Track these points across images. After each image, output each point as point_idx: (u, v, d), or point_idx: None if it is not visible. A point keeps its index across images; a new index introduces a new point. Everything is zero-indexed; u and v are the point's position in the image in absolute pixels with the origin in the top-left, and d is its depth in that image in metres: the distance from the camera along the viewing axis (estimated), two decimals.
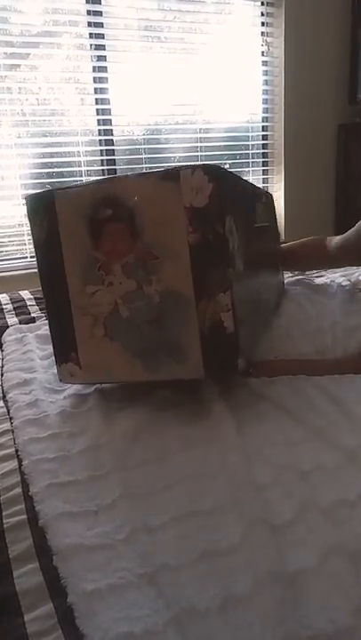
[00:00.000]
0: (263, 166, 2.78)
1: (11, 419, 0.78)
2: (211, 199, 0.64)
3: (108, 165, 2.38)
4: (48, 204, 0.72)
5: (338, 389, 0.75)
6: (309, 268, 1.42)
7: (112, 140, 2.37)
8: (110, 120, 2.35)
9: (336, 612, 0.41)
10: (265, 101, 2.69)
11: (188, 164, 0.69)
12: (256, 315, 0.83)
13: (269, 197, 1.15)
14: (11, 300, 1.39)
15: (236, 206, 0.72)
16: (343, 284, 1.37)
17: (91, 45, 2.26)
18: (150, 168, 2.47)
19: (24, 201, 0.77)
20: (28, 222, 0.76)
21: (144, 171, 2.43)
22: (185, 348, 0.68)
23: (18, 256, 2.26)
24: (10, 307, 1.34)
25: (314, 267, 1.43)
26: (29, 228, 0.77)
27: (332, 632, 0.40)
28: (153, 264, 0.67)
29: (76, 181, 2.34)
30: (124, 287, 0.69)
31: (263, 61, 2.64)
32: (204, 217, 0.64)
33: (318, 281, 1.42)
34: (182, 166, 0.65)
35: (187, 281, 0.65)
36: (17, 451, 0.68)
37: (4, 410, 0.81)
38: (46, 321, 1.01)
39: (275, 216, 1.20)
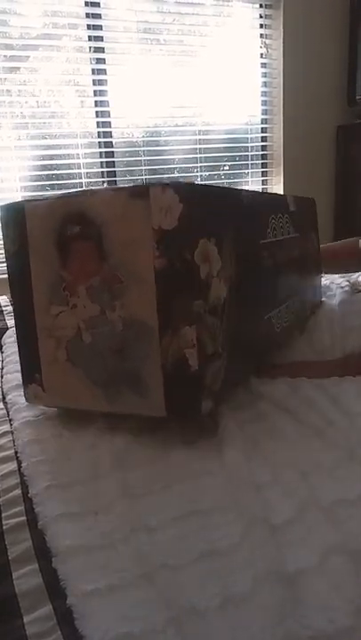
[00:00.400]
0: (262, 167, 2.78)
1: (10, 420, 0.78)
2: (180, 221, 0.58)
3: (107, 167, 2.39)
4: (18, 215, 0.68)
5: (336, 388, 0.75)
6: (344, 270, 1.40)
7: (111, 142, 2.37)
8: (110, 122, 2.36)
9: (336, 612, 0.41)
10: (264, 103, 2.70)
11: (159, 181, 0.59)
12: (252, 343, 0.76)
13: (306, 204, 1.04)
14: (10, 302, 1.39)
15: (220, 225, 0.65)
16: (342, 285, 1.37)
17: (90, 48, 2.27)
18: (149, 170, 2.47)
19: None
20: None
21: (143, 174, 2.44)
22: (147, 383, 0.63)
23: None
24: (9, 309, 1.34)
25: (348, 268, 1.38)
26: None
27: (332, 632, 0.39)
28: (118, 288, 0.62)
29: (76, 184, 2.34)
30: (88, 311, 0.65)
31: (262, 63, 2.65)
32: (172, 241, 0.58)
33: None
34: (153, 183, 0.60)
35: (151, 309, 0.60)
36: (16, 452, 0.68)
37: (4, 411, 0.81)
38: None
39: (314, 223, 1.11)
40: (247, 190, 0.79)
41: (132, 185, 0.62)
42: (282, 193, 2.74)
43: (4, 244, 0.72)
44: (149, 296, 0.60)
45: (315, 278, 1.12)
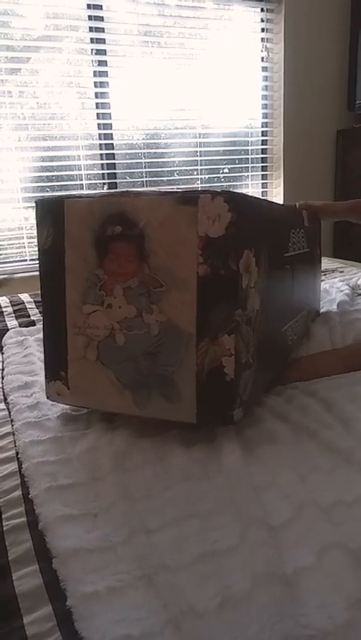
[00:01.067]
0: (262, 171, 2.79)
1: (11, 421, 0.78)
2: (228, 230, 0.58)
3: (107, 170, 2.40)
4: (57, 210, 0.68)
5: (329, 394, 0.76)
6: None
7: (112, 144, 2.38)
8: (110, 124, 2.37)
9: (334, 609, 0.41)
10: (264, 107, 2.71)
11: (209, 189, 0.60)
12: (272, 355, 0.76)
13: (314, 220, 1.07)
14: (10, 302, 1.39)
15: (259, 237, 0.66)
16: (342, 288, 1.38)
17: (92, 50, 2.28)
18: (150, 173, 2.48)
19: (33, 204, 0.72)
20: (33, 226, 0.75)
21: (144, 176, 2.45)
22: (179, 388, 0.63)
23: (17, 259, 2.27)
24: (10, 309, 1.35)
25: None
26: (35, 232, 0.73)
27: (331, 628, 0.40)
28: (157, 292, 0.62)
29: (76, 185, 2.35)
30: (123, 312, 0.64)
31: (263, 67, 2.66)
32: (218, 249, 0.59)
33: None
34: (203, 190, 0.60)
35: (190, 315, 0.60)
36: (17, 453, 0.68)
37: (6, 412, 0.81)
38: None
39: (319, 238, 1.14)
40: (274, 203, 0.79)
41: (180, 191, 0.61)
42: (282, 197, 2.75)
43: (38, 239, 0.71)
44: (190, 302, 0.60)
45: (316, 291, 1.14)
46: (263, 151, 2.77)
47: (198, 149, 2.59)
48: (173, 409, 0.64)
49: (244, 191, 2.71)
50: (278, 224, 0.78)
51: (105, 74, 2.30)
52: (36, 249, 0.75)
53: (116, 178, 2.41)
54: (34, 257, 2.15)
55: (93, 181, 2.37)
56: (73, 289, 0.68)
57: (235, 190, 0.62)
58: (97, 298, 0.66)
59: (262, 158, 2.77)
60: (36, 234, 0.71)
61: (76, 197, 0.67)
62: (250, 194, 1.01)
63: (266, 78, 2.67)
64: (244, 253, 0.60)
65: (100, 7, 2.23)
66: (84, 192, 2.34)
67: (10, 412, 0.80)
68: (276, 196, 2.76)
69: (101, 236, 0.64)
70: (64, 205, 0.67)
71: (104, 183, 2.39)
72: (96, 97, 2.32)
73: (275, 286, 0.74)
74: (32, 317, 1.27)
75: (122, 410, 0.67)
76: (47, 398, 0.76)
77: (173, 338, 0.62)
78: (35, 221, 0.73)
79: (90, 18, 2.22)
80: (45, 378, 0.75)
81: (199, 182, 2.63)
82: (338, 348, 0.94)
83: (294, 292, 0.87)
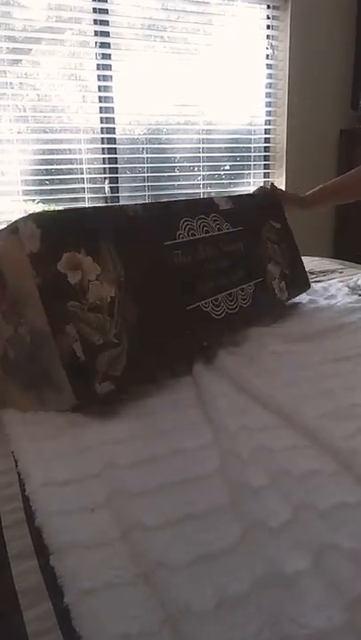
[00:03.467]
0: (265, 169, 2.79)
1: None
2: (42, 242, 0.71)
3: (109, 164, 2.38)
4: None
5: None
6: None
7: (114, 138, 2.37)
8: (113, 118, 2.35)
9: (332, 609, 0.41)
10: (268, 104, 2.70)
11: (23, 215, 0.75)
12: (173, 328, 0.88)
13: (257, 198, 1.26)
14: None
15: (92, 239, 0.78)
16: (341, 288, 1.38)
17: (95, 43, 2.26)
18: (151, 168, 2.47)
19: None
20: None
21: (145, 171, 2.44)
22: (57, 379, 0.74)
23: None
24: None
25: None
26: None
27: (329, 629, 0.40)
28: (18, 308, 0.75)
29: (77, 179, 2.34)
30: (7, 332, 0.77)
31: (267, 64, 2.65)
32: (41, 259, 0.72)
33: (317, 287, 1.43)
34: (19, 219, 0.73)
35: (42, 319, 0.72)
36: (12, 452, 0.68)
37: None
38: None
39: (274, 212, 1.27)
40: (139, 204, 0.94)
41: (8, 223, 0.74)
42: None
43: None
44: (39, 309, 0.72)
45: (288, 265, 1.25)
46: (266, 149, 2.76)
47: (201, 145, 2.58)
48: (62, 398, 0.74)
49: (246, 189, 2.71)
50: (146, 221, 0.91)
51: (108, 67, 2.28)
52: None
53: (117, 172, 2.39)
54: None
55: (94, 175, 2.35)
56: None
57: (46, 210, 0.74)
58: None
59: (265, 156, 2.77)
60: None
61: None
62: (143, 203, 1.15)
63: (270, 76, 2.65)
64: (63, 256, 0.73)
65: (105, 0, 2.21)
66: (86, 186, 2.33)
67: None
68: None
69: None
70: None
71: (105, 178, 2.38)
72: (99, 90, 2.30)
73: (150, 272, 0.87)
74: None
75: (33, 409, 0.78)
76: None
77: (40, 339, 0.74)
78: None
79: (94, 10, 2.20)
80: None
81: (201, 178, 2.62)
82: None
83: (201, 273, 0.98)
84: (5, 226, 0.74)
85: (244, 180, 2.75)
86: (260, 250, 1.18)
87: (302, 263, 1.33)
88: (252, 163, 2.74)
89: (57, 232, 0.75)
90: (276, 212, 1.28)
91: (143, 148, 2.44)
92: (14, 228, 0.72)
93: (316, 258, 1.86)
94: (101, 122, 2.33)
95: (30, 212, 0.73)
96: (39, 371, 0.75)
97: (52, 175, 2.29)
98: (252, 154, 2.73)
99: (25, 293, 0.73)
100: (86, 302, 0.74)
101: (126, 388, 0.78)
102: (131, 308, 0.80)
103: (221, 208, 1.09)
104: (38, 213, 0.73)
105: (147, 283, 0.85)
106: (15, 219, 0.73)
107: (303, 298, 1.32)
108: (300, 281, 1.31)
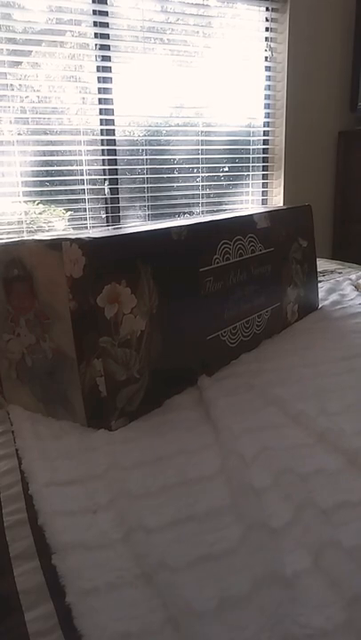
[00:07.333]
0: (263, 171, 2.79)
1: (12, 419, 0.78)
2: (85, 272, 0.68)
3: (109, 165, 2.39)
4: None
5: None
6: None
7: (114, 140, 2.37)
8: (113, 120, 2.35)
9: (332, 609, 0.42)
10: (267, 106, 2.71)
11: (70, 236, 0.71)
12: (189, 360, 0.86)
13: (293, 214, 1.18)
14: None
15: (134, 269, 0.75)
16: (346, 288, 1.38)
17: (95, 45, 2.26)
18: (151, 170, 2.48)
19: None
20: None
21: (145, 173, 2.44)
22: (72, 402, 0.74)
23: None
24: None
25: None
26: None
27: (330, 629, 0.40)
28: (46, 323, 0.74)
29: (77, 180, 2.34)
30: (27, 340, 0.77)
31: (266, 66, 2.65)
32: (80, 287, 0.69)
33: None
34: (65, 238, 0.69)
35: (70, 343, 0.71)
36: (17, 450, 0.68)
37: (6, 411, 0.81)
38: None
39: (305, 230, 1.20)
40: (182, 226, 0.86)
41: (50, 238, 0.72)
42: (282, 197, 2.75)
43: None
44: (68, 332, 0.71)
45: (304, 286, 1.23)
46: (264, 151, 2.76)
47: (200, 147, 2.58)
48: (74, 418, 0.74)
49: (244, 190, 2.71)
50: (187, 244, 0.85)
51: (108, 69, 2.29)
52: None
53: (117, 174, 2.40)
54: None
55: (94, 177, 2.36)
56: None
57: (95, 236, 0.70)
58: (10, 328, 0.79)
59: (264, 158, 2.77)
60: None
61: None
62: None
63: (269, 78, 2.66)
64: (104, 289, 0.70)
65: (104, 1, 2.21)
66: (86, 187, 2.33)
67: (9, 411, 0.81)
68: (277, 195, 2.76)
69: (7, 278, 0.77)
70: None
71: (105, 179, 2.38)
72: (99, 92, 2.31)
73: (180, 303, 0.84)
74: None
75: (41, 415, 0.78)
76: None
77: (63, 361, 0.73)
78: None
79: (94, 12, 2.21)
80: None
81: (200, 180, 2.62)
82: None
83: (229, 300, 0.96)
84: (44, 236, 0.73)
85: (243, 182, 2.75)
86: (285, 271, 1.15)
87: (317, 284, 1.31)
88: (251, 164, 2.75)
89: (101, 263, 0.70)
90: (306, 229, 1.25)
91: (143, 150, 2.45)
92: (57, 244, 0.69)
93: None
94: (101, 123, 2.34)
95: (77, 236, 0.70)
96: (56, 389, 0.75)
97: (52, 176, 2.30)
98: (251, 155, 2.74)
99: (56, 312, 0.71)
100: (117, 337, 0.72)
101: (136, 418, 0.76)
102: (156, 342, 0.78)
103: (258, 227, 1.05)
104: (85, 240, 0.68)
105: (176, 313, 0.83)
106: (56, 235, 0.71)
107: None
108: (311, 302, 1.29)
